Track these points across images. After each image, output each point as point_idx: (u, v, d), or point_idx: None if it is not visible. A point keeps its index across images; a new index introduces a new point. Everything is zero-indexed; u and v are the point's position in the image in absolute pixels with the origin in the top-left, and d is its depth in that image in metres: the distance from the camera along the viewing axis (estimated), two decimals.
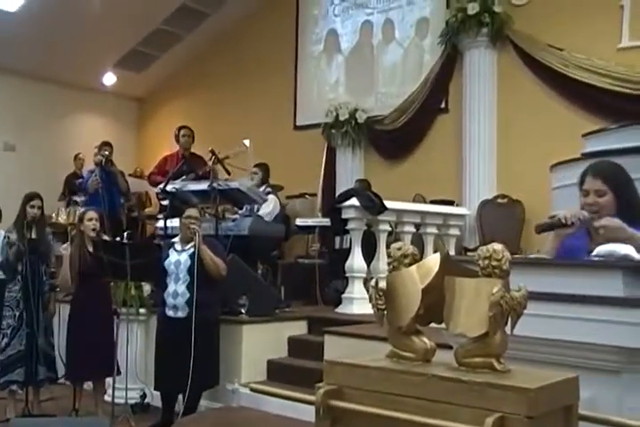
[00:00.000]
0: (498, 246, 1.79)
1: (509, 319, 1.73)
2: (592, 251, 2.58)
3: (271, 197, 7.16)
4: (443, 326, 1.83)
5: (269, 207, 7.00)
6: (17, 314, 5.43)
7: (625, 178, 2.94)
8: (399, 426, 1.71)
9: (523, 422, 1.54)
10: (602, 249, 2.45)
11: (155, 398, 5.62)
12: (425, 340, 1.87)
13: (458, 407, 1.64)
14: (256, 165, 7.38)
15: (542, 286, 2.26)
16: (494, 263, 1.76)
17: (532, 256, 2.84)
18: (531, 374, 1.75)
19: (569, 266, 2.43)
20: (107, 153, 7.86)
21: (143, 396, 5.75)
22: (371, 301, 1.95)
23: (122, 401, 4.99)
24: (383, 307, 1.92)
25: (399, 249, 1.96)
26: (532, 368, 1.89)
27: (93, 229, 5.42)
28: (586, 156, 4.21)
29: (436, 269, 1.87)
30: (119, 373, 5.17)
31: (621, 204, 2.86)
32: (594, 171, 2.94)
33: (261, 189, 7.23)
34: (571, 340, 2.24)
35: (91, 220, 5.44)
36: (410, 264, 1.92)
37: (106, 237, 5.69)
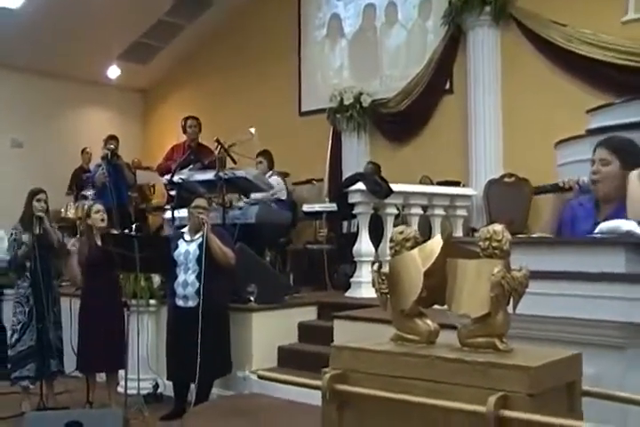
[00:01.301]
0: (498, 227, 1.80)
1: (511, 299, 1.74)
2: (599, 220, 2.63)
3: (274, 178, 7.18)
4: (446, 307, 1.84)
5: (275, 188, 7.01)
6: (27, 310, 5.47)
7: (635, 150, 2.93)
8: (405, 408, 1.73)
9: (525, 399, 1.55)
10: (604, 226, 2.45)
11: (167, 388, 5.67)
12: (428, 322, 1.88)
13: (461, 387, 1.65)
14: (259, 154, 7.37)
15: (545, 264, 2.26)
16: (495, 244, 1.77)
17: (535, 235, 2.83)
18: (533, 352, 1.76)
19: (571, 244, 2.42)
20: (112, 147, 7.88)
21: (156, 386, 5.80)
22: (374, 285, 1.96)
23: (135, 392, 5.04)
24: (386, 291, 1.93)
25: (401, 233, 1.96)
26: (534, 347, 1.90)
27: (102, 220, 5.45)
28: (590, 132, 4.19)
29: (438, 251, 1.87)
30: (124, 365, 5.19)
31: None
32: (604, 142, 2.97)
33: (268, 174, 7.23)
34: (574, 317, 2.24)
35: (98, 212, 5.48)
36: (412, 247, 1.93)
37: (114, 231, 5.71)
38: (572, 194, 2.94)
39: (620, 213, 2.75)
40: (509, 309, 1.75)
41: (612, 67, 6.66)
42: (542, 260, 2.29)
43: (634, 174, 2.75)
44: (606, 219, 2.73)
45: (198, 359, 4.82)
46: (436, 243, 1.91)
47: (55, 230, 5.64)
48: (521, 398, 1.55)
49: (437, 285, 1.84)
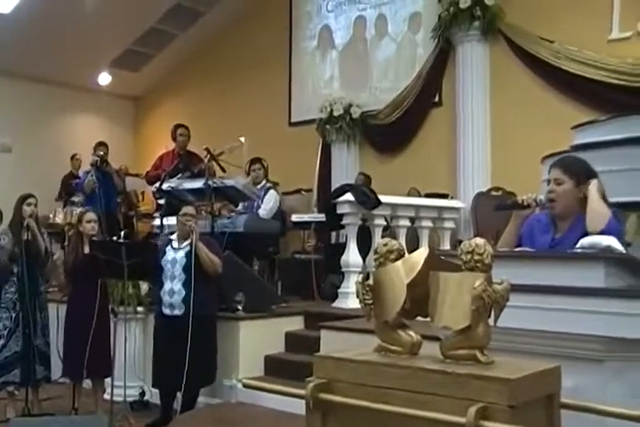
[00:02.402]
0: (480, 241, 1.84)
1: (492, 312, 1.78)
2: (555, 235, 2.85)
3: (272, 193, 7.17)
4: (429, 319, 1.88)
5: (270, 204, 7.02)
6: (13, 315, 5.45)
7: (585, 169, 3.07)
8: (387, 418, 1.76)
9: (505, 411, 1.58)
10: (585, 241, 2.50)
11: (153, 396, 5.66)
12: (411, 333, 1.92)
13: (443, 398, 1.69)
14: (255, 161, 7.38)
15: (525, 278, 2.31)
16: (476, 257, 1.81)
17: (517, 249, 2.89)
18: (513, 364, 1.80)
19: (552, 258, 2.47)
20: (102, 153, 7.88)
21: (142, 393, 5.80)
22: (358, 296, 2.00)
23: (121, 399, 5.03)
24: (370, 302, 1.97)
25: (385, 245, 2.00)
26: (515, 359, 1.93)
27: (92, 229, 5.46)
28: (575, 148, 4.25)
29: (421, 264, 1.91)
30: (110, 372, 5.19)
31: (583, 196, 2.97)
32: (557, 162, 3.15)
33: (261, 184, 7.24)
34: (554, 330, 2.29)
35: (90, 222, 5.47)
36: (396, 259, 1.97)
37: (102, 238, 5.71)
38: (530, 210, 3.11)
39: (577, 227, 2.90)
40: (490, 321, 1.79)
41: (598, 84, 6.75)
42: (524, 273, 2.33)
43: (593, 186, 2.89)
44: (563, 234, 2.94)
45: (185, 368, 4.83)
46: (419, 255, 1.95)
47: (44, 237, 5.64)
48: (501, 410, 1.58)
49: (420, 297, 1.88)
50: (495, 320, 1.78)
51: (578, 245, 2.51)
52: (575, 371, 2.08)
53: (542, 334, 2.31)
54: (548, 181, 3.08)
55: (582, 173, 3.03)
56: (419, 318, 1.94)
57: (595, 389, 2.19)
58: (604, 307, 2.21)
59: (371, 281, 1.97)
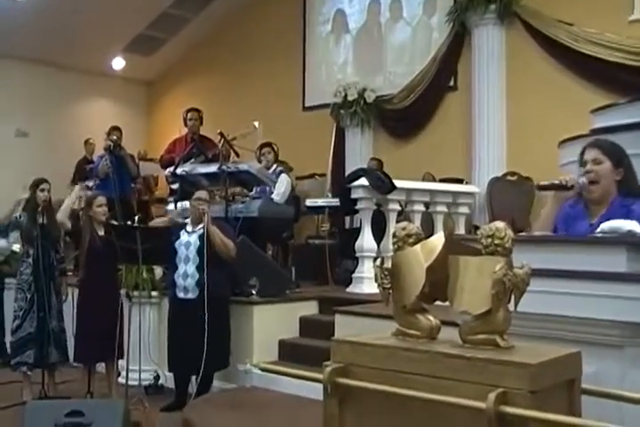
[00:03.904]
0: (500, 225, 1.81)
1: (512, 296, 1.75)
2: (592, 221, 2.73)
3: (283, 176, 7.13)
4: (448, 303, 1.85)
5: (282, 188, 6.98)
6: (28, 297, 5.50)
7: (623, 154, 2.98)
8: (405, 402, 1.74)
9: (525, 396, 1.56)
10: (606, 225, 2.46)
11: (168, 380, 5.69)
12: (430, 317, 1.90)
13: (462, 383, 1.67)
14: (265, 145, 7.34)
15: (546, 262, 2.28)
16: (497, 241, 1.78)
17: (537, 234, 2.85)
18: (533, 349, 1.77)
19: (573, 242, 2.44)
20: (115, 138, 7.86)
21: (156, 377, 5.83)
22: (376, 280, 1.97)
23: (135, 383, 5.05)
24: (389, 286, 1.94)
25: (404, 229, 1.98)
26: (535, 344, 1.92)
27: (103, 214, 5.47)
28: (594, 132, 4.19)
29: (440, 247, 1.89)
30: (123, 356, 5.22)
31: (620, 180, 2.91)
32: (592, 143, 3.03)
33: (272, 168, 7.22)
34: (575, 315, 2.26)
35: (100, 206, 5.48)
36: (414, 243, 1.95)
37: (115, 222, 5.72)
38: (572, 193, 2.97)
39: (614, 211, 2.80)
40: (510, 306, 1.76)
41: (618, 67, 6.65)
42: (544, 258, 2.30)
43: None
44: (599, 219, 2.80)
45: (204, 352, 4.84)
46: (438, 239, 1.93)
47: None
48: (521, 395, 1.56)
49: (439, 281, 1.86)
50: (515, 305, 1.76)
51: (598, 230, 2.48)
52: (595, 357, 2.06)
53: (562, 320, 2.28)
54: (584, 163, 2.96)
55: (619, 155, 2.94)
56: (437, 303, 1.92)
57: (615, 375, 2.16)
58: (626, 292, 2.18)
59: (389, 265, 1.94)
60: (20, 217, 5.61)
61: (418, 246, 1.92)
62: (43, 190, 5.58)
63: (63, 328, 5.61)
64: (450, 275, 1.83)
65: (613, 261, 2.25)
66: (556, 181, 2.97)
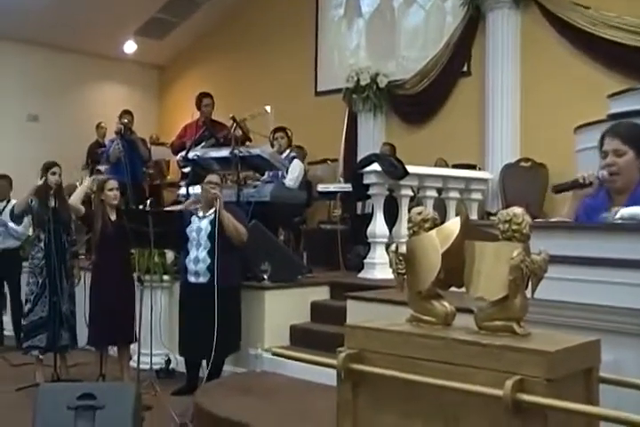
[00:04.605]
0: (518, 210, 1.78)
1: (530, 283, 1.72)
2: (611, 211, 2.58)
3: (296, 162, 7.10)
4: (463, 289, 1.83)
5: (295, 173, 6.96)
6: (40, 281, 5.51)
7: None
8: (419, 389, 1.72)
9: (542, 384, 1.54)
10: (625, 212, 2.42)
11: (179, 364, 5.71)
12: (445, 304, 1.87)
13: (478, 370, 1.64)
14: (278, 130, 7.31)
15: (564, 249, 2.25)
16: (514, 227, 1.75)
17: (553, 220, 2.80)
18: (551, 337, 1.75)
19: (590, 229, 2.40)
20: (126, 121, 7.85)
21: (168, 361, 5.85)
22: (391, 266, 1.95)
23: (147, 367, 5.07)
24: (403, 271, 1.92)
25: (419, 214, 1.95)
26: (552, 332, 1.89)
27: (115, 198, 5.47)
28: (611, 117, 4.13)
29: (457, 233, 1.86)
30: (136, 339, 5.23)
31: None
32: (612, 132, 2.89)
33: (286, 153, 7.19)
34: (593, 303, 2.23)
35: (112, 190, 5.48)
36: (430, 229, 1.92)
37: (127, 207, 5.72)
38: (592, 189, 2.85)
39: (636, 200, 2.69)
40: (527, 293, 1.74)
41: (637, 50, 6.56)
42: (561, 244, 2.27)
43: None
44: (621, 208, 2.66)
45: (212, 336, 4.84)
46: (454, 224, 1.90)
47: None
48: (538, 383, 1.54)
49: (455, 267, 1.83)
50: (532, 292, 1.73)
51: (617, 216, 2.43)
52: (614, 345, 2.03)
53: (581, 307, 2.26)
54: (605, 154, 2.84)
55: None
56: (452, 289, 1.89)
57: (634, 363, 2.13)
58: None
59: (404, 250, 1.91)
60: (32, 201, 5.61)
61: (433, 232, 1.89)
62: (54, 174, 5.58)
63: (74, 312, 5.63)
64: (466, 261, 1.80)
65: (633, 248, 2.21)
66: (573, 180, 2.86)
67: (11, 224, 6.86)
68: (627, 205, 2.65)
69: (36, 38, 10.13)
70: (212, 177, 5.40)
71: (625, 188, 2.82)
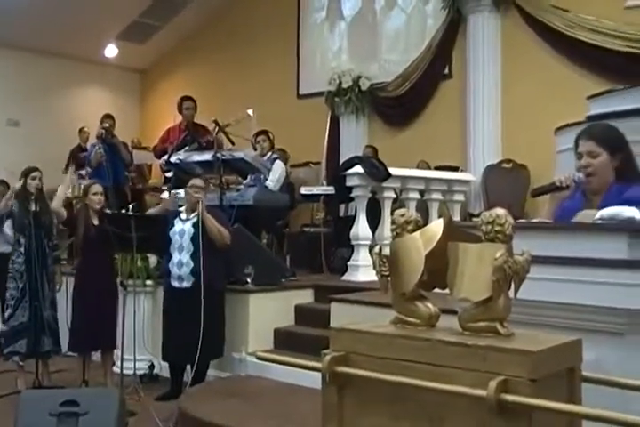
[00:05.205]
0: (501, 211, 1.79)
1: (513, 284, 1.73)
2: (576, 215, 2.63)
3: (278, 163, 7.11)
4: (447, 291, 1.83)
5: (277, 174, 6.96)
6: (20, 286, 5.48)
7: (619, 139, 2.92)
8: (404, 391, 1.73)
9: (526, 384, 1.54)
10: (606, 212, 2.44)
11: (163, 369, 5.69)
12: (429, 305, 1.88)
13: (462, 371, 1.65)
14: (261, 133, 7.31)
15: (546, 249, 2.26)
16: (497, 228, 1.76)
17: (535, 220, 2.82)
18: (534, 337, 1.76)
19: (572, 229, 2.42)
20: (107, 126, 7.81)
21: (151, 366, 5.83)
22: (374, 268, 1.95)
23: (130, 372, 5.04)
24: (387, 273, 1.92)
25: (402, 215, 1.95)
26: (535, 332, 1.90)
27: (99, 203, 5.44)
28: (591, 118, 4.16)
29: (440, 234, 1.86)
30: (118, 345, 5.21)
31: (618, 166, 2.85)
32: (586, 133, 2.94)
33: (267, 155, 7.18)
34: (575, 303, 2.25)
35: (96, 194, 5.47)
36: (413, 230, 1.92)
37: (109, 211, 5.70)
38: (569, 192, 2.90)
39: (610, 198, 2.74)
40: (510, 293, 1.75)
41: (614, 53, 6.64)
42: (543, 245, 2.28)
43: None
44: (598, 209, 2.69)
45: (196, 340, 4.82)
46: (437, 226, 1.90)
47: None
48: (522, 383, 1.55)
49: (438, 268, 1.84)
50: (515, 292, 1.74)
51: (597, 216, 2.45)
52: (596, 344, 2.04)
53: (563, 307, 2.27)
54: (579, 155, 2.90)
55: (615, 141, 2.88)
56: (436, 291, 1.90)
57: (615, 362, 2.15)
58: (627, 279, 2.17)
59: (387, 252, 1.92)
60: (13, 206, 5.58)
61: (417, 233, 1.90)
62: (34, 179, 5.56)
63: (56, 317, 5.59)
64: (449, 262, 1.81)
65: (614, 247, 2.23)
66: (550, 184, 2.92)
67: (6, 230, 6.78)
68: (601, 206, 2.68)
69: (17, 42, 10.05)
70: (196, 181, 5.39)
71: (600, 188, 2.87)
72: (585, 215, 2.60)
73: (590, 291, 2.22)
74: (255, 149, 7.17)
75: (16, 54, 10.29)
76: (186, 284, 5.19)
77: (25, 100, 10.38)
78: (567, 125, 4.33)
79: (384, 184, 6.23)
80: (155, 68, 11.99)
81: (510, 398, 1.53)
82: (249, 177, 6.91)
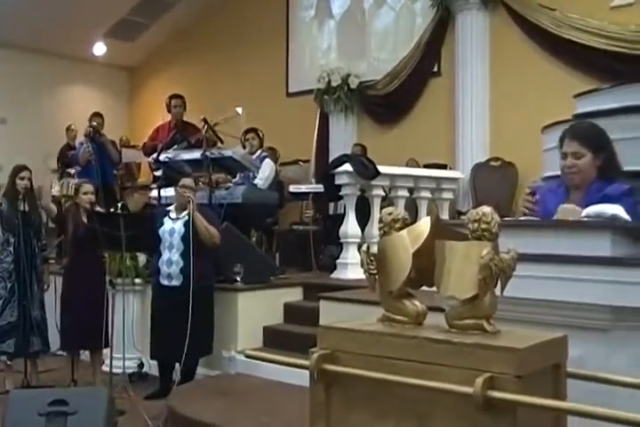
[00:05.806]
0: (487, 209, 1.80)
1: (499, 281, 1.75)
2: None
3: (267, 161, 7.10)
4: (434, 289, 1.85)
5: (266, 172, 6.95)
6: (9, 285, 5.45)
7: (603, 139, 2.96)
8: (392, 388, 1.74)
9: (512, 381, 1.56)
10: (590, 210, 2.47)
11: (152, 368, 5.68)
12: (416, 303, 1.89)
13: (449, 369, 1.67)
14: (250, 131, 7.31)
15: (531, 247, 2.28)
16: (484, 226, 1.78)
17: (522, 218, 2.85)
18: (520, 334, 1.78)
19: (557, 227, 2.44)
20: (95, 124, 7.79)
21: (140, 365, 5.82)
22: (362, 266, 1.96)
23: (119, 371, 5.03)
24: (375, 272, 1.94)
25: (390, 214, 1.97)
26: (521, 329, 1.92)
27: (89, 202, 5.43)
28: (577, 117, 4.19)
29: (427, 232, 1.88)
30: (108, 344, 5.20)
31: (601, 165, 2.90)
32: (571, 133, 2.98)
33: (257, 153, 7.18)
34: (560, 300, 2.27)
35: (86, 193, 5.45)
36: (401, 229, 1.93)
37: (99, 209, 5.68)
38: (554, 184, 3.00)
39: (590, 196, 2.79)
40: (497, 291, 1.76)
41: (600, 52, 6.68)
42: (529, 243, 2.30)
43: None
44: (577, 204, 2.77)
45: (185, 339, 4.81)
46: (424, 224, 1.92)
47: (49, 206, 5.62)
48: (508, 380, 1.56)
49: (426, 266, 1.85)
50: (502, 290, 1.76)
51: (583, 214, 2.48)
52: (581, 340, 2.07)
53: (548, 304, 2.29)
54: (564, 155, 2.94)
55: (598, 140, 2.92)
56: (423, 289, 1.91)
57: (600, 358, 2.17)
58: (610, 276, 2.19)
59: (375, 251, 1.93)
60: (1, 204, 5.55)
61: (404, 232, 1.91)
62: (22, 178, 5.53)
63: (45, 317, 5.57)
64: (436, 260, 1.83)
65: (598, 245, 2.26)
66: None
67: None
68: (581, 202, 2.75)
69: (4, 40, 9.99)
70: (186, 181, 5.38)
71: (582, 184, 2.92)
72: (564, 209, 2.65)
73: (575, 288, 2.24)
74: (244, 147, 7.16)
75: (4, 53, 10.20)
76: (175, 282, 5.19)
77: (12, 98, 10.31)
78: (554, 124, 4.35)
79: (373, 182, 6.24)
80: (143, 66, 11.95)
81: (496, 394, 1.55)
82: (238, 175, 6.90)
